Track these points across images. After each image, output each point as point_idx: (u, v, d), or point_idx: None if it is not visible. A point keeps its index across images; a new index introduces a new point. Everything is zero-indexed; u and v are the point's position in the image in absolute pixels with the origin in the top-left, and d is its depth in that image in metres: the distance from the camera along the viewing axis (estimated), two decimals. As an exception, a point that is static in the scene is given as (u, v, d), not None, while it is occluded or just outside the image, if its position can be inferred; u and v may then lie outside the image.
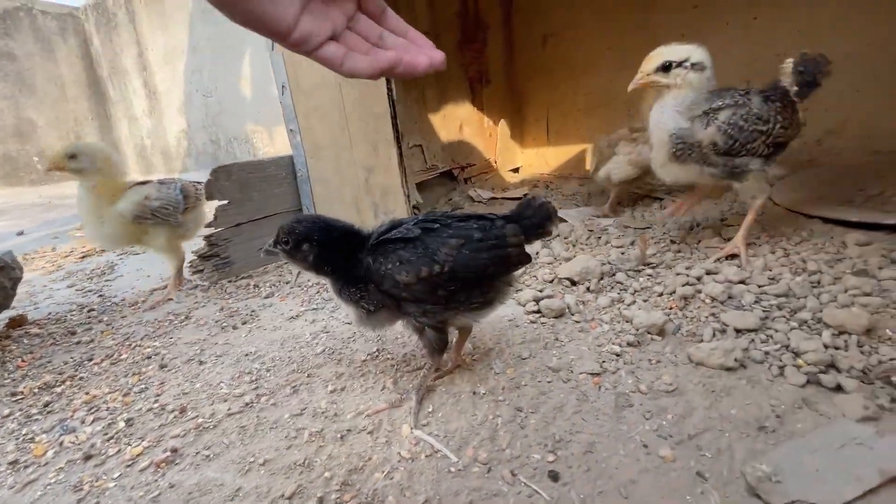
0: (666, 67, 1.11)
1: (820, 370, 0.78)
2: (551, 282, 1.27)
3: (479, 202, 2.40)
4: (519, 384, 0.87)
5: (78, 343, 1.26)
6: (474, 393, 0.85)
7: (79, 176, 1.34)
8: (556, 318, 1.09)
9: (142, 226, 1.41)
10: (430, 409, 0.82)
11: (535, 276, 1.32)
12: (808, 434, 0.67)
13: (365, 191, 1.48)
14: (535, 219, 0.84)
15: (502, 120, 2.81)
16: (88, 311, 1.50)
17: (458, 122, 2.53)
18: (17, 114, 6.50)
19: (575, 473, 0.65)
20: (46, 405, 0.95)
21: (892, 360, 0.77)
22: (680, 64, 1.10)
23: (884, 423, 0.68)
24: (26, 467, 0.77)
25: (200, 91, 5.58)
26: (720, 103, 1.11)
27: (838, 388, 0.75)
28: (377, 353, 1.03)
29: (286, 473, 0.70)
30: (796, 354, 0.82)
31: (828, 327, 0.86)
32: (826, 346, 0.82)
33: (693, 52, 1.10)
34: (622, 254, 1.36)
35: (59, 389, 1.01)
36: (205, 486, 0.69)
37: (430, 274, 0.75)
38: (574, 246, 1.51)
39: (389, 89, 1.31)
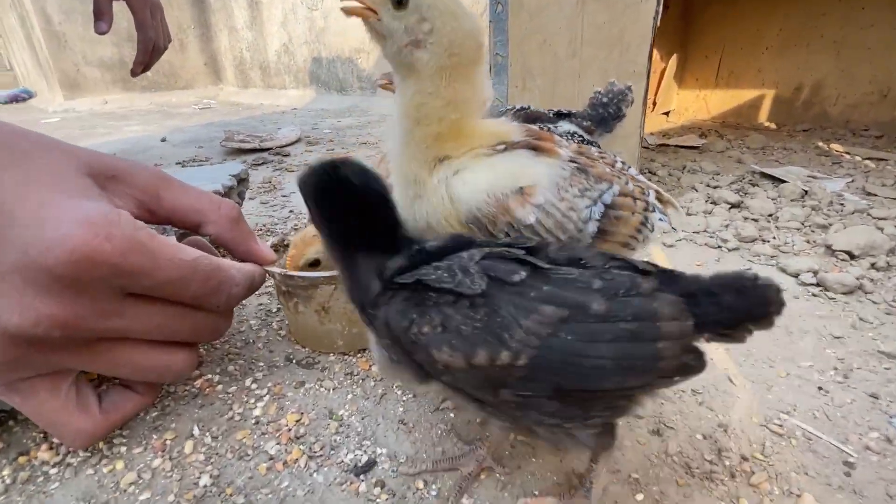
0: None
1: None
2: (814, 250, 1.14)
3: (644, 147, 2.21)
4: (850, 368, 0.79)
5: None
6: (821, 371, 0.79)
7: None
8: (845, 294, 0.98)
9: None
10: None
11: (787, 242, 1.19)
12: None
13: (582, 128, 1.37)
14: (739, 303, 0.46)
15: (674, 55, 2.50)
16: (294, 227, 1.56)
17: (630, 54, 2.28)
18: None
19: None
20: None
21: None
22: None
23: None
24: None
25: (305, 3, 5.41)
26: None
27: None
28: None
29: None
30: None
31: None
32: None
33: None
34: (895, 227, 1.20)
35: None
36: None
37: (493, 362, 0.43)
38: (817, 211, 1.35)
39: (657, 12, 1.14)
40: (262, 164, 2.52)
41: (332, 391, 0.77)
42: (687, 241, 1.26)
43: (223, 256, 0.79)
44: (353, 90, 5.15)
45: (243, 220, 0.77)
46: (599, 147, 0.84)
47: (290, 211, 1.72)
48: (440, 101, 0.56)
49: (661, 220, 0.65)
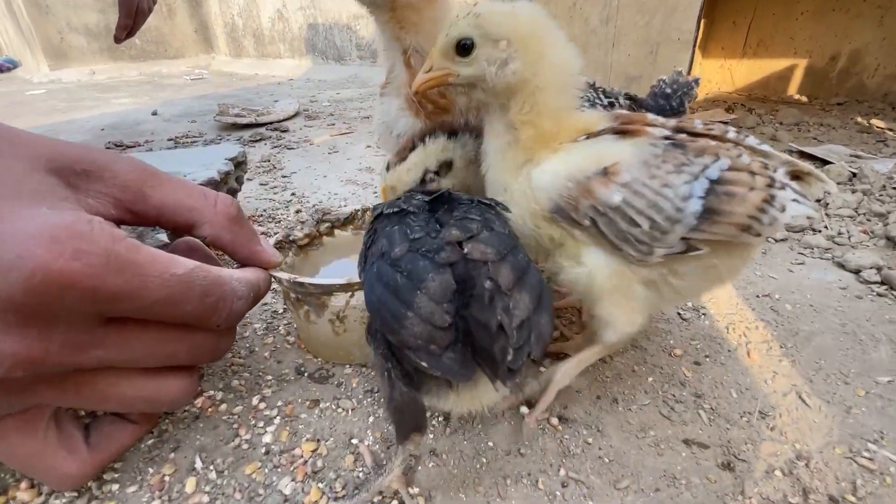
0: None
1: None
2: (874, 242, 1.04)
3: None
4: (936, 383, 0.70)
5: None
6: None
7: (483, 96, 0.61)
8: (915, 294, 0.89)
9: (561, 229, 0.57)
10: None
11: (841, 232, 1.08)
12: None
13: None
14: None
15: (703, 21, 2.32)
16: (296, 212, 1.44)
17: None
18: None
19: None
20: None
21: None
22: None
23: None
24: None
25: (301, -36, 5.12)
26: None
27: None
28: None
29: None
30: None
31: None
32: None
33: None
34: (962, 216, 1.09)
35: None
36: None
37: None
38: (869, 196, 1.23)
39: (710, -30, 0.99)
40: (260, 140, 2.38)
41: (350, 412, 0.68)
42: (728, 230, 1.15)
43: (220, 259, 0.69)
44: (352, 59, 4.91)
45: (244, 218, 0.66)
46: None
47: (292, 194, 1.60)
48: (550, 91, 0.56)
49: (795, 200, 0.54)
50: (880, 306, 0.87)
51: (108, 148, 2.34)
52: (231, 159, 1.04)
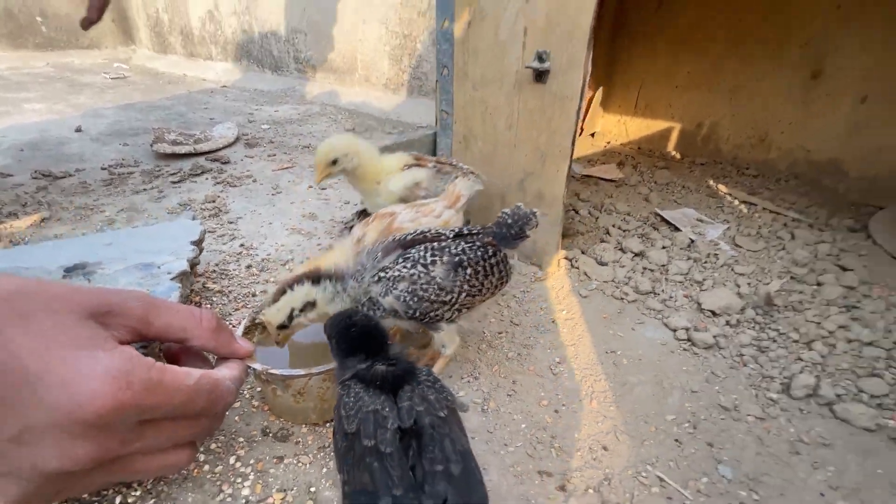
0: None
1: (942, 442, 1.02)
2: (690, 305, 1.45)
3: (572, 177, 2.46)
4: (699, 420, 1.08)
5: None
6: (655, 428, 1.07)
7: (345, 174, 1.45)
8: (706, 349, 1.29)
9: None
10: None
11: (672, 297, 1.49)
12: (940, 500, 0.92)
13: (517, 189, 1.55)
14: None
15: (601, 87, 2.75)
16: (247, 267, 1.62)
17: (562, 89, 2.49)
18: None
19: (776, 512, 0.90)
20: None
21: None
22: None
23: None
24: (328, 451, 0.97)
25: (234, -31, 5.01)
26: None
27: (957, 462, 0.99)
28: (562, 366, 1.22)
29: (553, 485, 0.92)
30: (923, 425, 1.06)
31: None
32: (947, 422, 1.05)
33: None
34: (749, 285, 1.54)
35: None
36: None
37: None
38: (697, 263, 1.67)
39: (580, 107, 1.33)
40: (201, 173, 2.46)
41: (308, 465, 0.92)
42: (599, 290, 1.52)
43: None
44: (290, 71, 4.92)
45: (223, 325, 0.88)
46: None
47: (241, 245, 1.77)
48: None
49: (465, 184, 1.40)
50: (683, 360, 1.26)
51: (34, 178, 2.31)
52: (194, 242, 1.22)
